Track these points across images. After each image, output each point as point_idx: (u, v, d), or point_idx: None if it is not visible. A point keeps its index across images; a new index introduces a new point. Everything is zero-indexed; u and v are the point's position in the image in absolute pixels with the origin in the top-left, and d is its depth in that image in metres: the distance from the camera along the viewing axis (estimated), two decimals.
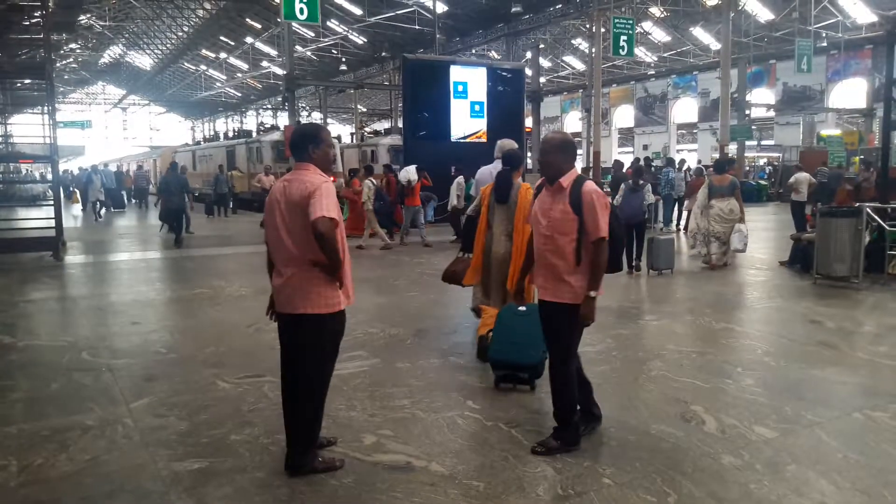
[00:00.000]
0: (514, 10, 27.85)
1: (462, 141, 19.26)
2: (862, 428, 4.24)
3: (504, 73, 20.49)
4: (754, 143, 33.83)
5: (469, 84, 19.43)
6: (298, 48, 38.78)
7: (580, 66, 41.32)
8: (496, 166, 6.36)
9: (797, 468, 3.63)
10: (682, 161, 22.52)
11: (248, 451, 3.85)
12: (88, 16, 36.24)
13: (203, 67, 53.36)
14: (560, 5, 30.62)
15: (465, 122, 19.38)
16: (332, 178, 3.67)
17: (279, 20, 23.71)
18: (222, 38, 45.97)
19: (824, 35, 29.48)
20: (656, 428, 4.16)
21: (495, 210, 5.86)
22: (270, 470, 3.60)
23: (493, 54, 35.94)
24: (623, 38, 21.34)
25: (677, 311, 7.71)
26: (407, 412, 4.43)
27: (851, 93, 32.60)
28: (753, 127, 31.87)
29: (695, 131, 41.62)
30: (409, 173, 14.49)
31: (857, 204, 9.14)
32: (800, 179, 13.43)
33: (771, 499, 3.31)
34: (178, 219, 14.81)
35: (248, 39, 42.16)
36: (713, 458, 3.75)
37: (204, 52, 49.93)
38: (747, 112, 29.08)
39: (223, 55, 47.68)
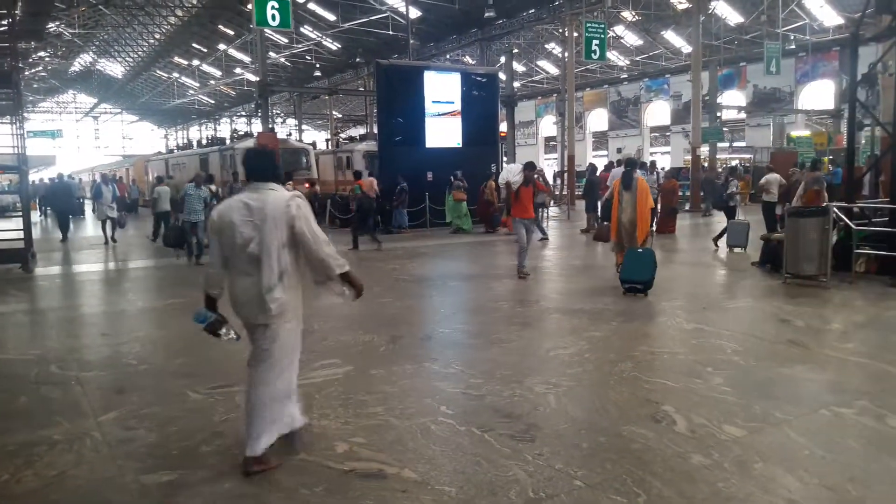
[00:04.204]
0: (487, 14, 27.92)
1: (437, 147, 19.31)
2: (828, 424, 4.31)
3: (478, 78, 20.58)
4: (726, 144, 34.28)
5: (444, 89, 19.49)
6: (272, 54, 38.59)
7: (554, 70, 41.58)
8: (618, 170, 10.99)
9: (765, 466, 3.68)
10: (653, 163, 22.77)
11: (219, 461, 3.81)
12: (57, 23, 35.71)
13: (176, 75, 52.86)
14: (533, 10, 30.76)
15: (440, 128, 19.43)
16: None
17: (251, 27, 23.56)
18: (195, 45, 45.59)
19: (792, 38, 29.99)
20: (627, 429, 4.19)
21: (623, 194, 9.36)
22: (241, 480, 3.57)
23: (468, 59, 36.04)
24: (595, 42, 21.53)
25: (650, 313, 7.78)
26: (380, 419, 4.42)
27: (820, 94, 33.18)
28: (725, 129, 32.30)
29: (667, 134, 42.06)
30: (511, 173, 11.28)
31: (825, 204, 9.31)
32: (770, 180, 13.62)
33: (739, 497, 3.36)
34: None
35: (221, 46, 41.85)
36: (683, 457, 3.79)
37: (176, 59, 49.48)
38: (718, 114, 29.47)
39: (196, 62, 47.26)
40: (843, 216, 8.96)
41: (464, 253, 13.99)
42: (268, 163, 3.74)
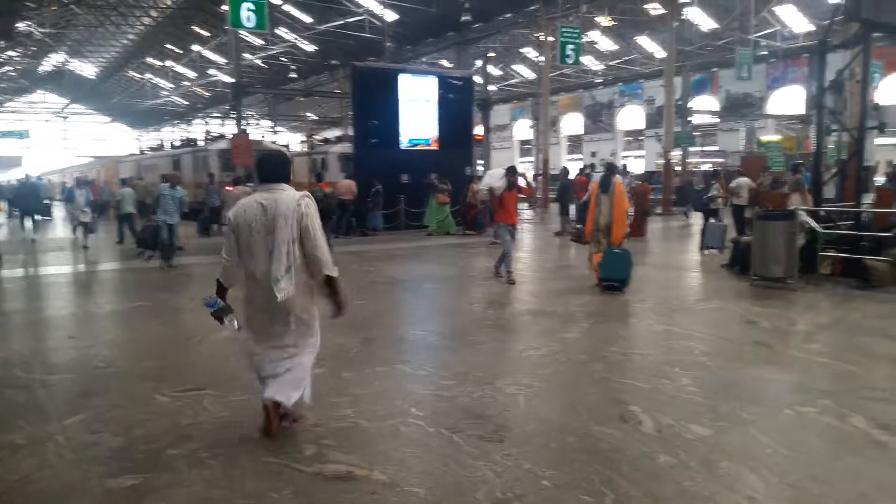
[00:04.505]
0: (463, 18, 27.98)
1: (413, 149, 19.34)
2: (792, 424, 4.38)
3: (454, 82, 20.63)
4: (698, 148, 34.72)
5: (420, 91, 19.52)
6: (247, 56, 38.28)
7: (530, 74, 41.82)
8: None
9: (730, 464, 3.74)
10: (625, 166, 23.00)
11: (186, 465, 3.77)
12: (27, 23, 35.11)
13: (149, 76, 52.23)
14: (510, 14, 30.93)
15: (417, 130, 19.45)
16: None
17: (226, 28, 23.37)
18: (168, 45, 45.08)
19: (763, 44, 30.46)
20: (596, 429, 4.23)
21: (601, 197, 9.32)
22: (208, 484, 3.54)
23: (444, 62, 36.11)
24: (570, 46, 21.70)
25: (621, 315, 7.86)
26: (350, 421, 4.41)
27: (790, 100, 33.74)
28: (697, 133, 32.71)
29: (641, 138, 42.50)
30: (493, 178, 10.61)
31: (792, 207, 9.47)
32: (741, 184, 13.84)
33: (704, 495, 3.40)
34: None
35: (195, 47, 41.44)
36: (650, 457, 3.83)
37: (150, 60, 48.88)
38: (690, 119, 29.85)
39: (170, 63, 46.74)
40: (809, 219, 9.12)
41: (440, 255, 14.00)
42: (279, 165, 4.06)
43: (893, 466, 3.73)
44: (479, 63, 33.93)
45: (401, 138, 19.18)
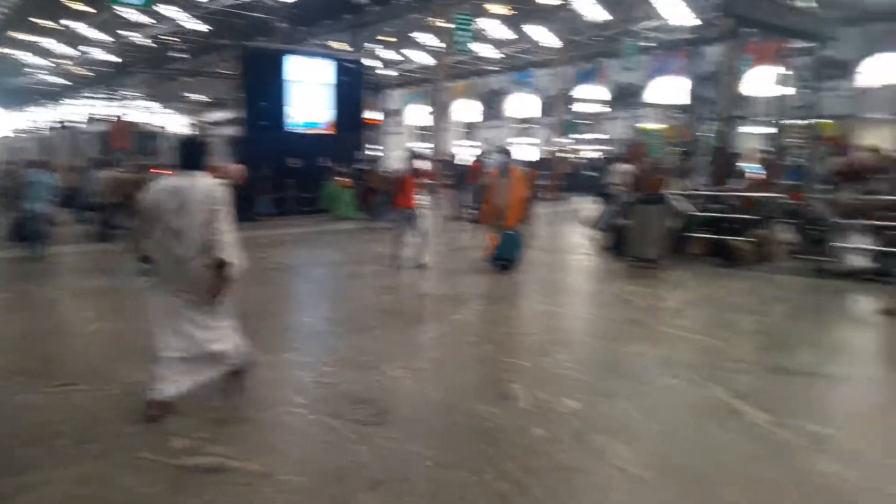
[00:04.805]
0: (357, 1, 27.60)
1: (306, 132, 18.96)
2: (660, 396, 4.67)
3: (345, 64, 20.34)
4: (587, 136, 35.95)
5: (311, 74, 19.13)
6: (132, 34, 36.16)
7: (425, 59, 41.86)
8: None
9: (600, 437, 3.94)
10: (504, 153, 23.39)
11: (55, 463, 3.57)
12: None
13: (22, 53, 48.29)
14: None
15: (307, 113, 19.07)
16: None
17: (107, 3, 21.96)
18: (43, 20, 41.79)
19: (648, 35, 31.78)
20: (479, 408, 4.34)
21: (499, 181, 9.55)
22: (78, 481, 3.37)
23: (340, 45, 35.49)
24: (463, 33, 21.89)
25: (509, 296, 8.08)
26: (229, 413, 4.30)
27: (672, 89, 35.45)
28: (586, 121, 33.88)
29: (533, 126, 43.52)
30: (395, 160, 11.40)
31: (664, 192, 10.00)
32: (623, 170, 14.44)
33: (575, 467, 3.58)
34: None
35: (72, 24, 38.66)
36: (526, 432, 3.98)
37: (22, 36, 45.14)
38: (577, 107, 30.83)
39: (47, 40, 43.36)
40: (679, 203, 9.68)
41: (334, 241, 13.84)
42: (197, 152, 4.20)
43: (747, 434, 4.04)
44: (374, 47, 33.59)
45: (291, 121, 18.75)
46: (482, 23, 34.29)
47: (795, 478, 3.49)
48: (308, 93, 19.06)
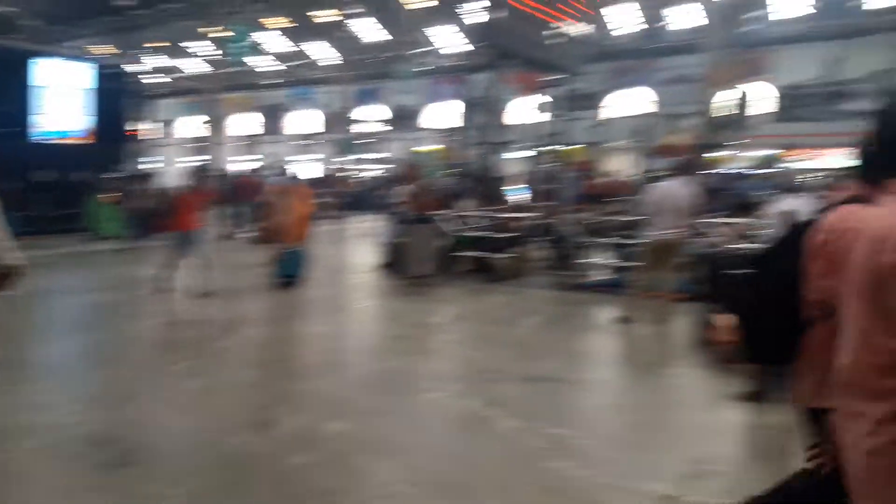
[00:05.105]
0: (120, 2, 25.44)
1: (59, 142, 17.04)
2: (422, 410, 4.85)
3: (107, 69, 18.69)
4: (365, 156, 36.56)
5: (64, 78, 17.27)
6: None
7: (201, 68, 39.86)
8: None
9: (363, 457, 3.97)
10: (284, 169, 23.21)
11: None
12: None
13: None
14: (180, 5, 28.93)
15: (60, 121, 17.18)
16: None
17: None
18: None
19: (423, 60, 33.18)
20: (236, 439, 4.17)
21: (280, 199, 9.50)
22: None
23: (106, 49, 32.48)
24: (239, 45, 21.29)
25: (284, 318, 7.94)
26: None
27: (447, 113, 37.28)
28: (366, 141, 34.45)
29: (312, 142, 43.27)
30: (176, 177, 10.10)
31: (434, 212, 10.49)
32: (400, 191, 14.86)
33: (337, 489, 3.57)
34: None
35: None
36: (285, 459, 3.90)
37: None
38: (355, 127, 31.27)
39: None
40: (447, 224, 10.21)
41: (92, 262, 12.60)
42: None
43: (495, 437, 4.33)
44: (141, 53, 31.27)
45: (40, 130, 16.76)
46: (261, 36, 33.57)
47: (537, 478, 3.78)
48: (61, 99, 17.19)
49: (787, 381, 2.28)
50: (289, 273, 9.34)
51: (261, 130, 44.58)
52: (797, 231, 2.24)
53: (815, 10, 23.09)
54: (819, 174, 19.53)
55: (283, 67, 40.10)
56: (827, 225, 2.02)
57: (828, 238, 2.00)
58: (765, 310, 2.24)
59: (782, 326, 2.15)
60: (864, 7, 21.68)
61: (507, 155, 20.11)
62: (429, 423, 4.59)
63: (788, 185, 11.86)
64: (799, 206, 5.15)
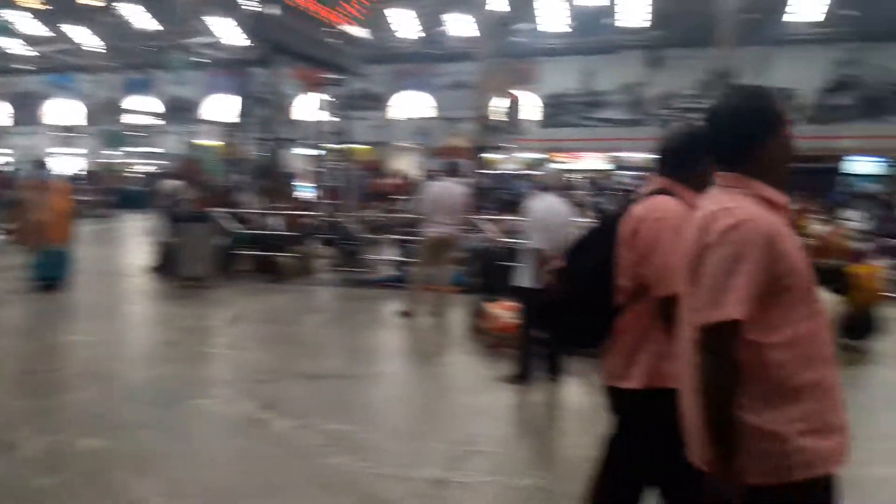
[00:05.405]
0: None
1: None
2: (189, 418, 4.58)
3: None
4: (139, 149, 33.80)
5: None
6: None
7: None
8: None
9: (119, 474, 3.66)
10: (42, 163, 20.88)
11: None
12: None
13: None
14: None
15: None
16: None
17: None
18: None
19: (200, 51, 31.30)
20: None
21: (36, 194, 8.64)
22: None
23: None
24: None
25: (34, 326, 7.18)
26: None
27: (226, 106, 35.56)
28: (137, 133, 31.86)
29: (78, 135, 39.13)
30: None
31: (211, 209, 9.98)
32: (173, 187, 13.91)
33: None
34: None
35: None
36: (29, 483, 3.50)
37: None
38: (124, 119, 28.85)
39: None
40: (224, 221, 9.76)
41: None
42: None
43: (270, 439, 4.23)
44: None
45: None
46: (11, 15, 29.68)
47: (313, 475, 3.74)
48: None
49: (596, 362, 2.45)
50: (49, 276, 8.58)
51: (13, 120, 39.45)
52: (608, 222, 2.45)
53: (571, 28, 25.33)
54: (580, 174, 21.58)
55: (38, 52, 35.71)
56: (636, 215, 2.25)
57: (637, 227, 2.22)
58: (578, 298, 2.35)
59: (594, 312, 2.30)
60: (617, 24, 24.21)
61: (294, 151, 19.69)
62: (196, 432, 4.36)
63: (551, 184, 12.95)
64: (555, 203, 5.58)
